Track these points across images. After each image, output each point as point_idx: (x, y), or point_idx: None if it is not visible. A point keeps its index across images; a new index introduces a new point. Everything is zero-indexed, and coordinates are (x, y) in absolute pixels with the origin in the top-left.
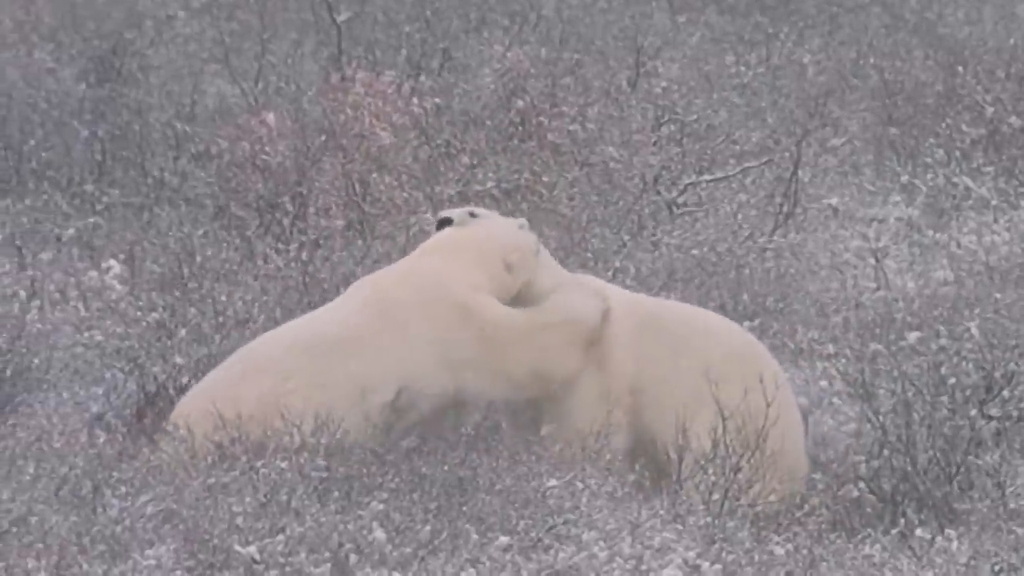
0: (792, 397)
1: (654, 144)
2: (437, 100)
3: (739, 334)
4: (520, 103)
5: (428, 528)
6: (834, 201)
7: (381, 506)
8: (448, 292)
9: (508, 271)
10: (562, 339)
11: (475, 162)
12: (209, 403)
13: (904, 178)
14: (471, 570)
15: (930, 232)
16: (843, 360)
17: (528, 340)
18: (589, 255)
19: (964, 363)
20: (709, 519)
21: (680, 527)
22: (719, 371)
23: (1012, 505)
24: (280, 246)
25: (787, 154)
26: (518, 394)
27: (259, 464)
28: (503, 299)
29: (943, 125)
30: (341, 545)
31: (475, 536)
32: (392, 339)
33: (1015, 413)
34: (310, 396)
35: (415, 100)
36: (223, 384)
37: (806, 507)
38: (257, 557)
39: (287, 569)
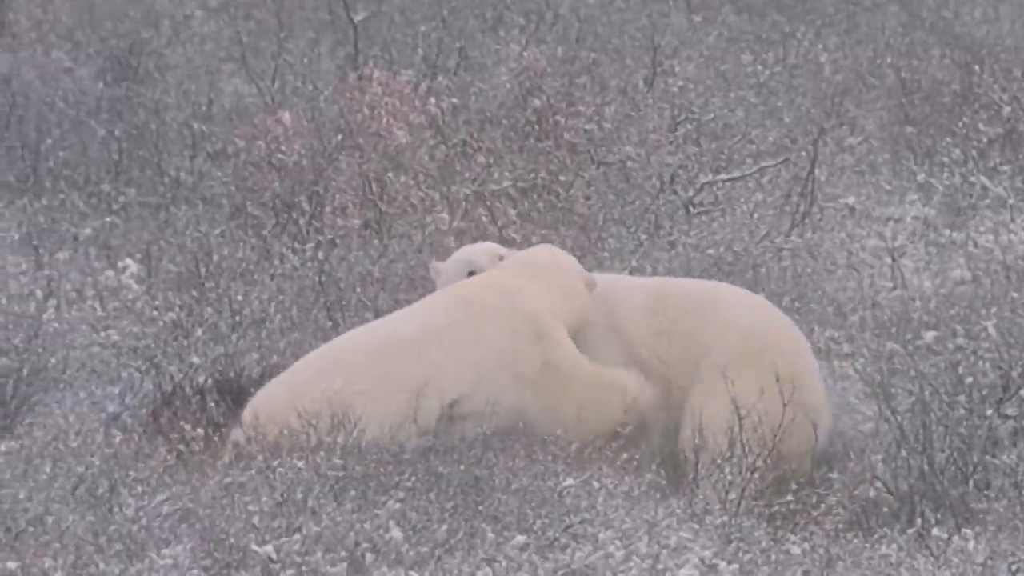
0: (814, 369)
1: (671, 143)
2: (454, 99)
3: (750, 308)
4: (537, 102)
5: (445, 527)
6: (851, 200)
7: (398, 505)
8: (525, 306)
9: (589, 289)
10: (613, 401)
11: (491, 161)
12: (283, 401)
13: (921, 177)
14: (487, 569)
15: (947, 231)
16: (860, 359)
17: (584, 388)
18: (606, 254)
19: (981, 362)
20: (726, 518)
21: (697, 526)
22: (735, 347)
23: None
24: (296, 245)
25: (804, 153)
26: (555, 427)
27: (276, 463)
28: (579, 323)
29: (960, 124)
30: (357, 544)
31: (491, 535)
32: (465, 342)
33: None
34: (377, 396)
35: (431, 99)
36: (299, 381)
37: (823, 506)
38: (274, 556)
39: (303, 568)
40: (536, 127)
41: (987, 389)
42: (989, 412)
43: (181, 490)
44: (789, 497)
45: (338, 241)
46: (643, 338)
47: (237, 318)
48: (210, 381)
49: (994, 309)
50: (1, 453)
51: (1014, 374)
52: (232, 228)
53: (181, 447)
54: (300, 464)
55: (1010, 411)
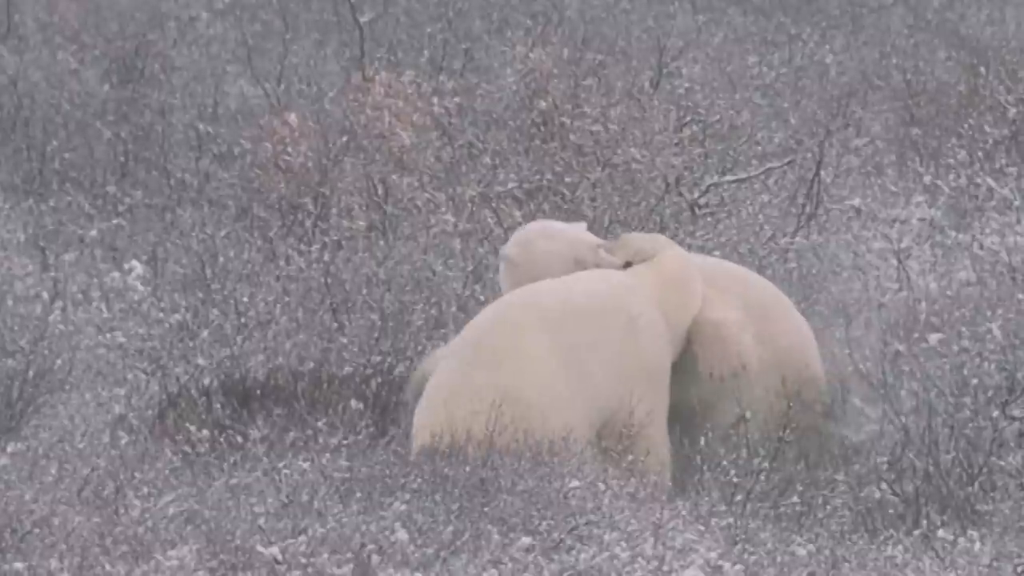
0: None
1: (676, 145)
2: (457, 99)
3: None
4: (542, 104)
5: (450, 529)
6: (856, 202)
7: (403, 507)
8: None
9: None
10: None
11: (497, 163)
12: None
13: (926, 179)
14: (493, 571)
15: (952, 233)
16: (865, 361)
17: None
18: None
19: (986, 364)
20: (731, 520)
21: (702, 528)
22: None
23: None
24: (302, 247)
25: (809, 155)
26: None
27: (281, 464)
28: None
29: (965, 126)
30: (363, 546)
31: (497, 537)
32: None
33: None
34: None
35: (436, 100)
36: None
37: (828, 508)
38: (279, 558)
39: (309, 570)
40: (542, 128)
41: (992, 391)
42: (995, 414)
43: (187, 492)
44: (795, 498)
45: (344, 243)
46: None
47: (243, 320)
48: (216, 383)
49: (1000, 311)
50: (7, 455)
51: (1019, 376)
52: (238, 230)
53: (187, 449)
54: (305, 465)
55: (1015, 413)
